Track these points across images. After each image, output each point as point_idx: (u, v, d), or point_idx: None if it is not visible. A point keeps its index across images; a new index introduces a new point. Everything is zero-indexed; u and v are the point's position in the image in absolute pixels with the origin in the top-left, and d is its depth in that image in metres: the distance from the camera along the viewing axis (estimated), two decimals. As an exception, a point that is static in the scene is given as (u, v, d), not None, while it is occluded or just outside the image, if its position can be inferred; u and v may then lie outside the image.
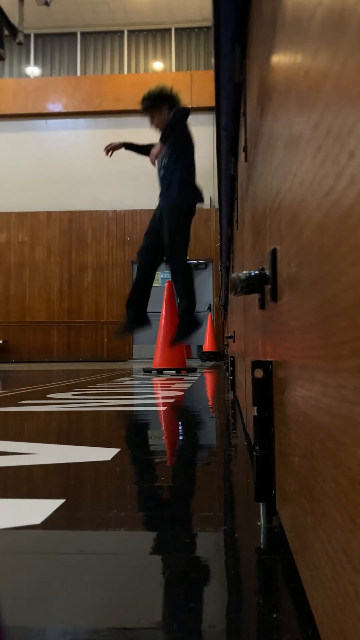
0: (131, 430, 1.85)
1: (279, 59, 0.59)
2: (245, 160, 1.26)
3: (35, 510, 0.84)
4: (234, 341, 2.62)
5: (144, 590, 0.56)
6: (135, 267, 5.03)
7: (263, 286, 0.74)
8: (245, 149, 1.26)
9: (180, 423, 2.02)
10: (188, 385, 3.75)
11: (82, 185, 12.99)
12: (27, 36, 13.97)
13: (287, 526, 0.61)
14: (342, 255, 0.31)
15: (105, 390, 3.51)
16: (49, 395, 3.06)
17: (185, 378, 4.60)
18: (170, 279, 4.99)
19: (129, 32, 14.32)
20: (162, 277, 5.94)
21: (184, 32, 14.20)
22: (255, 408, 0.72)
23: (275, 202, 0.65)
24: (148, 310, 5.15)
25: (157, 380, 4.44)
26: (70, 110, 13.35)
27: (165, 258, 4.84)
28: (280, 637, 0.46)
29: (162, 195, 4.84)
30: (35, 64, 14.52)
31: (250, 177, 1.13)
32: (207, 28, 13.57)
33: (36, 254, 12.82)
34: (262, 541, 0.70)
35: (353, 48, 0.28)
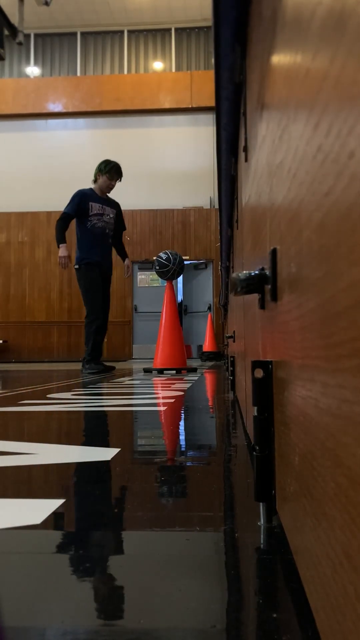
0: (131, 430, 1.85)
1: (279, 59, 0.59)
2: (245, 160, 1.26)
3: (35, 510, 0.84)
4: (234, 341, 2.62)
5: (143, 590, 0.56)
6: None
7: (263, 286, 0.74)
8: (245, 149, 1.26)
9: (180, 423, 2.02)
10: (188, 385, 3.75)
11: (82, 185, 12.99)
12: (27, 36, 13.97)
13: (287, 526, 0.61)
14: (342, 255, 0.31)
15: (105, 390, 3.51)
16: (49, 395, 3.06)
17: (185, 378, 4.60)
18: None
19: (129, 32, 14.31)
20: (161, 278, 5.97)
21: (184, 32, 14.19)
22: (255, 408, 0.72)
23: (275, 202, 0.65)
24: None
25: (157, 380, 4.44)
26: (70, 110, 13.34)
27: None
28: (280, 637, 0.46)
29: (106, 257, 5.59)
30: (35, 64, 14.51)
31: (250, 177, 1.13)
32: (207, 28, 13.56)
33: (36, 254, 12.82)
34: (262, 541, 0.70)
35: (353, 48, 0.28)
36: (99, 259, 5.45)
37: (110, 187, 5.51)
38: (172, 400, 2.71)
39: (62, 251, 5.41)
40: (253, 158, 1.04)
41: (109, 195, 5.62)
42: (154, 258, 5.83)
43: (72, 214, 5.45)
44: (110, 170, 5.40)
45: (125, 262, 5.89)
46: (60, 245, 5.43)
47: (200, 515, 0.83)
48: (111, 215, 5.56)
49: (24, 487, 1.05)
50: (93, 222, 5.44)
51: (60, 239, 5.43)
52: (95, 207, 5.46)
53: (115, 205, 5.66)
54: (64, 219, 5.45)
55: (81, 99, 13.33)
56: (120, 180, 5.57)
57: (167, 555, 0.66)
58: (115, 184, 5.55)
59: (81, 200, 5.47)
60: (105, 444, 1.55)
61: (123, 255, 5.90)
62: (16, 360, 12.20)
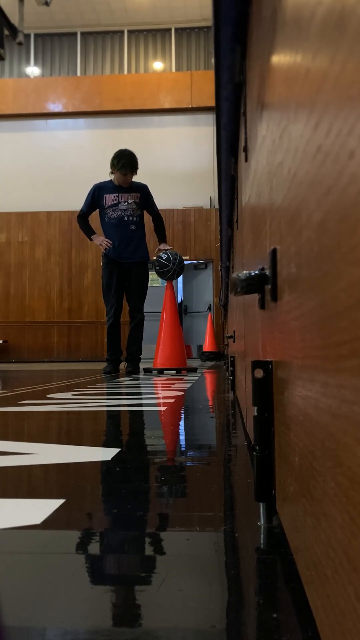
0: (131, 430, 1.85)
1: (279, 59, 0.59)
2: (245, 160, 1.26)
3: (35, 510, 0.84)
4: (234, 341, 2.62)
5: (144, 590, 0.56)
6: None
7: (263, 286, 0.74)
8: (245, 149, 1.26)
9: (180, 423, 2.02)
10: (188, 385, 3.75)
11: (82, 185, 12.94)
12: (27, 36, 13.96)
13: (287, 526, 0.61)
14: (342, 255, 0.31)
15: (105, 390, 3.51)
16: (49, 395, 3.06)
17: (185, 378, 4.60)
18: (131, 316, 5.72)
19: (129, 32, 14.31)
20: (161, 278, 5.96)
21: (184, 32, 14.18)
22: (255, 408, 0.72)
23: (275, 202, 0.65)
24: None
25: (157, 380, 4.44)
26: (70, 110, 13.33)
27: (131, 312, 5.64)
28: (280, 637, 0.46)
29: (126, 247, 5.39)
30: (35, 64, 14.51)
31: (250, 177, 1.13)
32: (207, 28, 13.55)
33: (36, 253, 12.82)
34: (262, 541, 0.70)
35: (353, 48, 0.28)
36: (117, 253, 5.33)
37: (126, 181, 5.32)
38: (172, 400, 2.71)
39: (97, 241, 5.37)
40: (253, 158, 1.04)
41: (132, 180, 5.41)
42: (154, 258, 5.81)
43: (85, 211, 5.41)
44: (122, 167, 5.22)
45: (160, 246, 5.66)
46: (92, 237, 5.40)
47: (200, 515, 0.83)
48: (130, 201, 5.35)
49: (24, 487, 1.05)
50: (109, 214, 5.35)
51: (88, 235, 5.43)
52: (109, 199, 5.34)
53: (137, 189, 5.40)
54: (79, 218, 5.43)
55: (81, 99, 13.32)
56: (136, 173, 5.35)
57: (167, 555, 0.66)
58: (131, 177, 5.34)
59: (94, 195, 5.40)
60: (105, 444, 1.55)
61: (159, 238, 5.68)
62: (16, 360, 12.20)
